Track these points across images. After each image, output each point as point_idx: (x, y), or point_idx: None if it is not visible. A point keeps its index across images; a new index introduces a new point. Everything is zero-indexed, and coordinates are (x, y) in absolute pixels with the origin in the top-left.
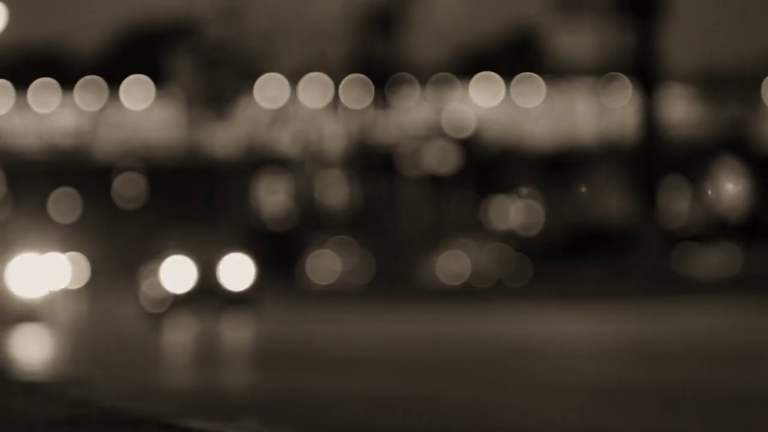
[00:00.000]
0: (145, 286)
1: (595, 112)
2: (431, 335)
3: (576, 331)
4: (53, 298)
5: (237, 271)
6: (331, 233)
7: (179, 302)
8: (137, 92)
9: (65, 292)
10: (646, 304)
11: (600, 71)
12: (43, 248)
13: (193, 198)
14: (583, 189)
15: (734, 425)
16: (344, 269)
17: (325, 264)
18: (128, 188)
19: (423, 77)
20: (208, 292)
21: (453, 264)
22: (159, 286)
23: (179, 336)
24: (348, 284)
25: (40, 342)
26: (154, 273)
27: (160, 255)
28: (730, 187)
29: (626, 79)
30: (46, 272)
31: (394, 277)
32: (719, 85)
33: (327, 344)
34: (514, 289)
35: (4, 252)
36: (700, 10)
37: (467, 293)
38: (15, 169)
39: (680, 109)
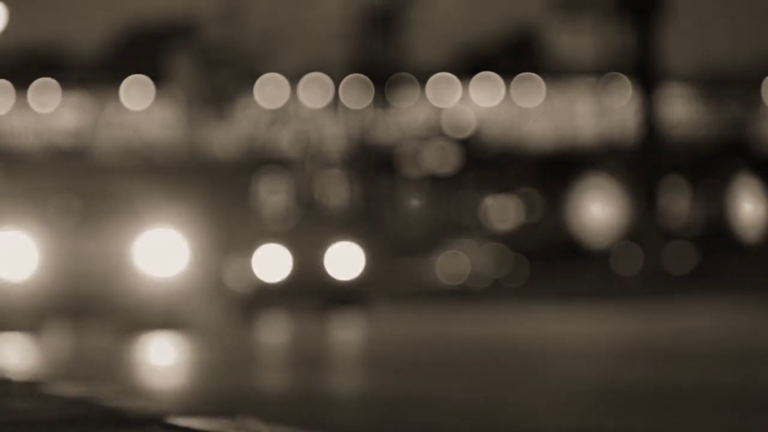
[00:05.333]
0: (231, 279)
1: (595, 112)
2: (430, 335)
3: (575, 331)
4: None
5: (346, 263)
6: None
7: (274, 297)
8: (137, 92)
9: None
10: (645, 304)
11: (600, 71)
12: (173, 223)
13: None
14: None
15: (735, 426)
16: None
17: None
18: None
19: (423, 77)
20: (309, 285)
21: (452, 264)
22: (250, 278)
23: (273, 335)
24: None
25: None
26: (244, 264)
27: (250, 244)
28: (597, 209)
29: (626, 79)
30: (178, 251)
31: (393, 277)
32: (719, 85)
33: (332, 345)
34: (511, 289)
35: (130, 226)
36: (700, 10)
37: (465, 293)
38: (14, 169)
39: (680, 109)
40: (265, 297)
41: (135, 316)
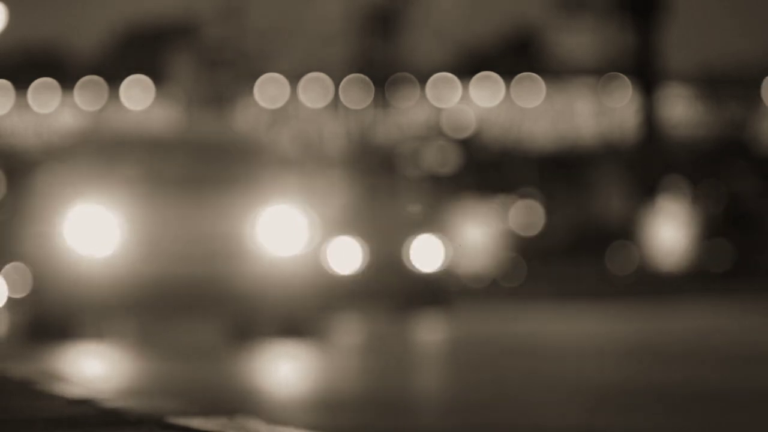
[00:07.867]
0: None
1: (595, 112)
2: (429, 335)
3: (574, 331)
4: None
5: (427, 257)
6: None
7: (347, 293)
8: (137, 92)
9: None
10: (645, 304)
11: (600, 71)
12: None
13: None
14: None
15: (734, 425)
16: None
17: None
18: None
19: (423, 77)
20: (387, 281)
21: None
22: (322, 273)
23: (349, 335)
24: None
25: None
26: (315, 258)
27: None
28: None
29: (626, 79)
30: (299, 231)
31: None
32: (719, 85)
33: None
34: (509, 288)
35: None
36: (700, 10)
37: (463, 293)
38: (14, 169)
39: (680, 109)
40: (337, 293)
41: (247, 312)
